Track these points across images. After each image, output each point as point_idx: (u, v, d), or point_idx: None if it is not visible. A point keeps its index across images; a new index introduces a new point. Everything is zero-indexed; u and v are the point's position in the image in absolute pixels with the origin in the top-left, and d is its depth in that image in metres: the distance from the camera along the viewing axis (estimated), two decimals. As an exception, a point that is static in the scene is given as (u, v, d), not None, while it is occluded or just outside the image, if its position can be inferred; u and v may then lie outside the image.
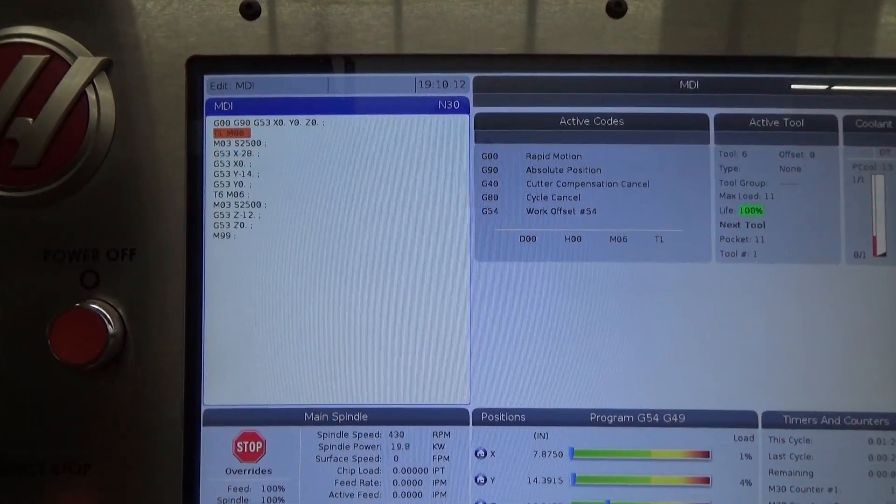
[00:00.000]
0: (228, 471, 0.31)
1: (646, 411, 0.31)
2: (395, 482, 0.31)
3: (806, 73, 0.32)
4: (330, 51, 0.32)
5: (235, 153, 0.32)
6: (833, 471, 0.31)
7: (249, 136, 0.32)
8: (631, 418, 0.31)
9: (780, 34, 0.32)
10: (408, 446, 0.31)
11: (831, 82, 0.32)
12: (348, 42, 0.31)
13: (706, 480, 0.31)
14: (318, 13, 0.31)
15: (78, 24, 0.31)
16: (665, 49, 0.32)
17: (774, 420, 0.31)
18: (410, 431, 0.31)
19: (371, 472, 0.31)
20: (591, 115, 0.32)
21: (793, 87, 0.32)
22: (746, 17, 0.32)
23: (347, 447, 0.31)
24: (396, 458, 0.31)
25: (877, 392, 0.31)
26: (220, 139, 0.32)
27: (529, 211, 0.32)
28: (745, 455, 0.31)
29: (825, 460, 0.31)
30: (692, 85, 0.32)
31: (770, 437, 0.31)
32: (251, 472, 0.31)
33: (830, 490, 0.31)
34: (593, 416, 0.31)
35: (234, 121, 0.32)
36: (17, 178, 0.30)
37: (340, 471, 0.31)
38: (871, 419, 0.31)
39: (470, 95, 0.32)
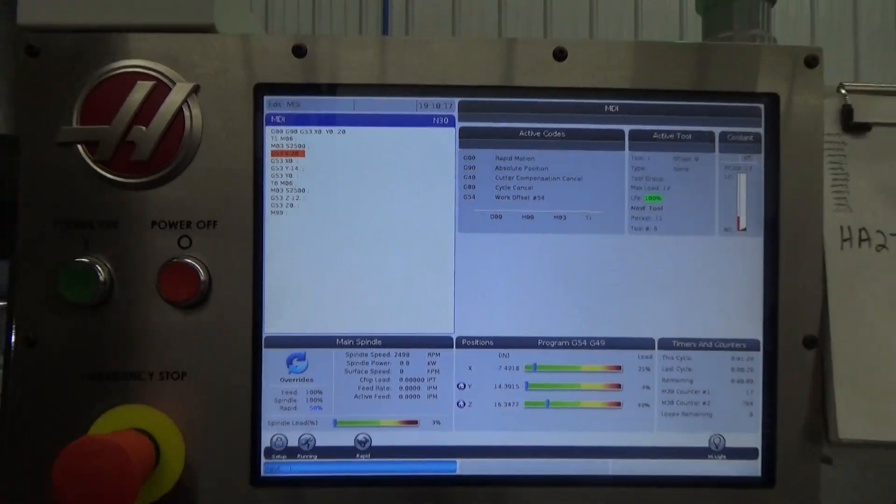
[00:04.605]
0: (282, 380, 0.44)
1: (577, 338, 0.44)
2: (400, 388, 0.44)
3: (693, 101, 0.45)
4: (356, 81, 0.44)
5: (286, 154, 0.44)
6: (706, 379, 0.44)
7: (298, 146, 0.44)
8: (567, 343, 0.44)
9: (674, 73, 0.45)
10: (409, 363, 0.44)
11: (711, 109, 0.45)
12: (371, 75, 0.44)
13: (618, 386, 0.44)
14: (349, 55, 0.44)
15: (176, 59, 0.43)
16: (594, 83, 0.44)
17: (666, 344, 0.44)
18: (412, 352, 0.44)
19: (384, 381, 0.44)
20: (541, 129, 0.45)
21: (684, 110, 0.45)
22: (650, 62, 0.45)
23: (367, 363, 0.44)
24: (402, 371, 0.44)
25: (737, 324, 0.44)
26: (276, 144, 0.44)
27: (497, 197, 0.45)
28: (646, 368, 0.44)
29: (701, 372, 0.44)
30: (613, 108, 0.45)
31: (663, 356, 0.44)
32: (298, 380, 0.44)
33: (704, 392, 0.44)
34: (541, 341, 0.44)
35: (286, 131, 0.44)
36: (135, 169, 0.42)
37: (362, 380, 0.44)
38: (733, 343, 0.44)
39: (456, 114, 0.45)
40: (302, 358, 0.44)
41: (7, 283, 0.58)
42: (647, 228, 0.45)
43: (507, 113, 0.45)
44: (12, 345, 0.55)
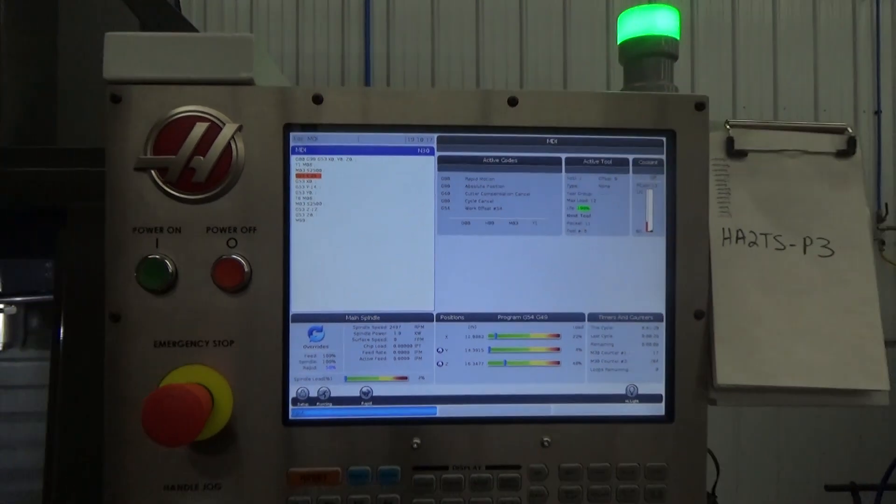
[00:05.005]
0: (305, 346, 0.58)
1: (527, 313, 0.59)
2: (394, 352, 0.58)
3: (613, 135, 0.60)
4: (359, 121, 0.58)
5: (307, 176, 0.59)
6: (624, 343, 0.59)
7: (314, 169, 0.59)
8: (519, 317, 0.59)
9: (599, 114, 0.60)
10: (400, 333, 0.58)
11: (626, 141, 0.60)
12: (370, 116, 0.58)
13: (558, 349, 0.59)
14: (354, 100, 0.58)
15: (225, 105, 0.57)
16: (539, 122, 0.59)
17: (594, 317, 0.59)
18: (402, 325, 0.58)
19: (381, 347, 0.58)
20: (500, 157, 0.60)
21: (606, 142, 0.60)
22: (581, 107, 0.60)
23: (369, 333, 0.58)
24: (395, 339, 0.58)
25: (646, 301, 0.59)
26: (299, 168, 0.58)
27: (467, 208, 0.59)
28: (578, 336, 0.59)
29: (620, 338, 0.59)
30: (553, 141, 0.60)
31: (591, 326, 0.59)
32: (317, 347, 0.58)
33: (622, 353, 0.59)
34: (500, 316, 0.59)
35: (307, 158, 0.59)
36: (194, 188, 0.56)
37: (365, 346, 0.58)
38: (643, 316, 0.59)
39: (435, 145, 0.59)
40: (320, 330, 0.58)
41: (53, 280, 0.71)
42: (579, 231, 0.59)
43: (474, 145, 0.59)
44: (61, 339, 0.68)
